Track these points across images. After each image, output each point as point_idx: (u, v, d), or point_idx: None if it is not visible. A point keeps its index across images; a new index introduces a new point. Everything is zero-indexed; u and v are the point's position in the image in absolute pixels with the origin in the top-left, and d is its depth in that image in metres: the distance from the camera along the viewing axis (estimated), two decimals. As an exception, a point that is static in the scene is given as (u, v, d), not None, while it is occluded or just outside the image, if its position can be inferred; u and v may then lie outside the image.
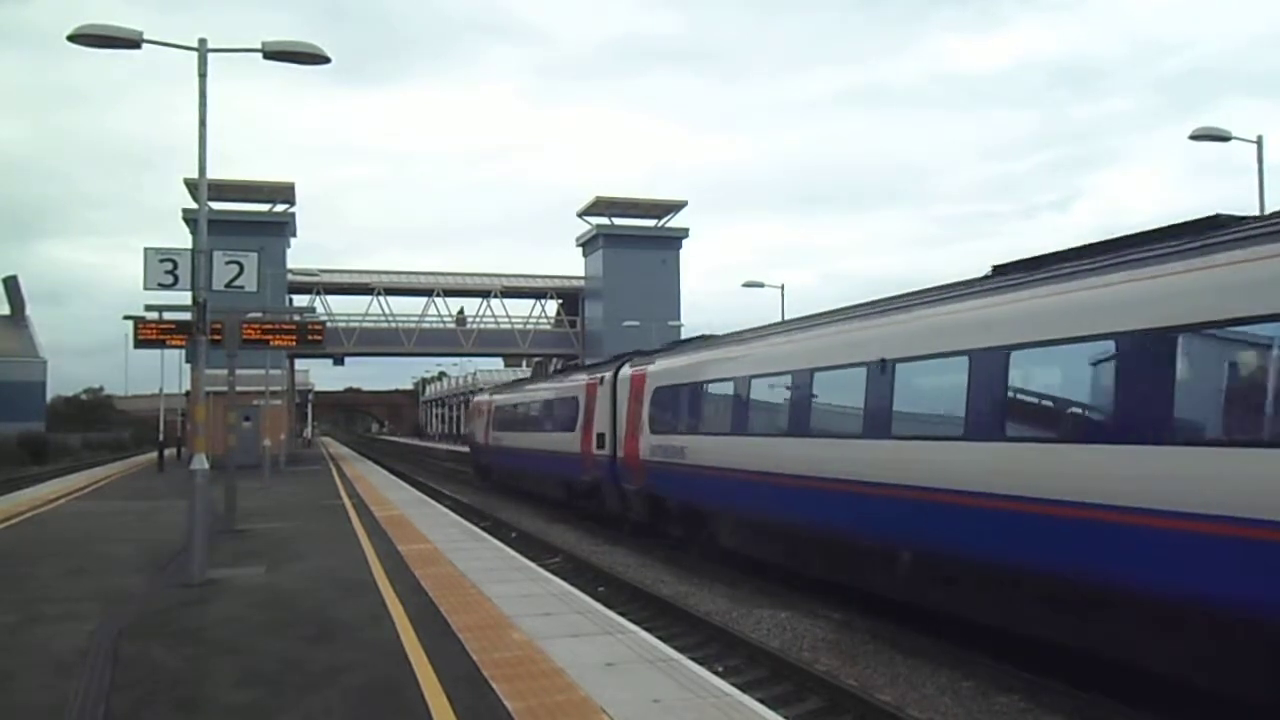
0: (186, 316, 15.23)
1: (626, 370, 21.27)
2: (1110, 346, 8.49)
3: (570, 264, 67.24)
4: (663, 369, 19.34)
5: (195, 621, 9.68)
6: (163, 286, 12.66)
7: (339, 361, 60.54)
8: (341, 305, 56.32)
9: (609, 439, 21.52)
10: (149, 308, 17.95)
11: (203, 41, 12.62)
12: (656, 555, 18.68)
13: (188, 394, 35.01)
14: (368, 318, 54.84)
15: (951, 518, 10.12)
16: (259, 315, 20.23)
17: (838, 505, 12.27)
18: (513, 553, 14.73)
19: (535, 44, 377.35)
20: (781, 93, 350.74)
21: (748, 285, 39.89)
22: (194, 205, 33.94)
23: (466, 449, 58.99)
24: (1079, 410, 9.39)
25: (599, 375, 23.11)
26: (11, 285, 69.33)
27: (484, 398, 41.36)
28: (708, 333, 20.22)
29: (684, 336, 25.22)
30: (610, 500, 22.21)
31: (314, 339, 21.45)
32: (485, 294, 56.85)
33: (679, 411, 18.04)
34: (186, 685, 7.35)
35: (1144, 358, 8.09)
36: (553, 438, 26.57)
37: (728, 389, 16.06)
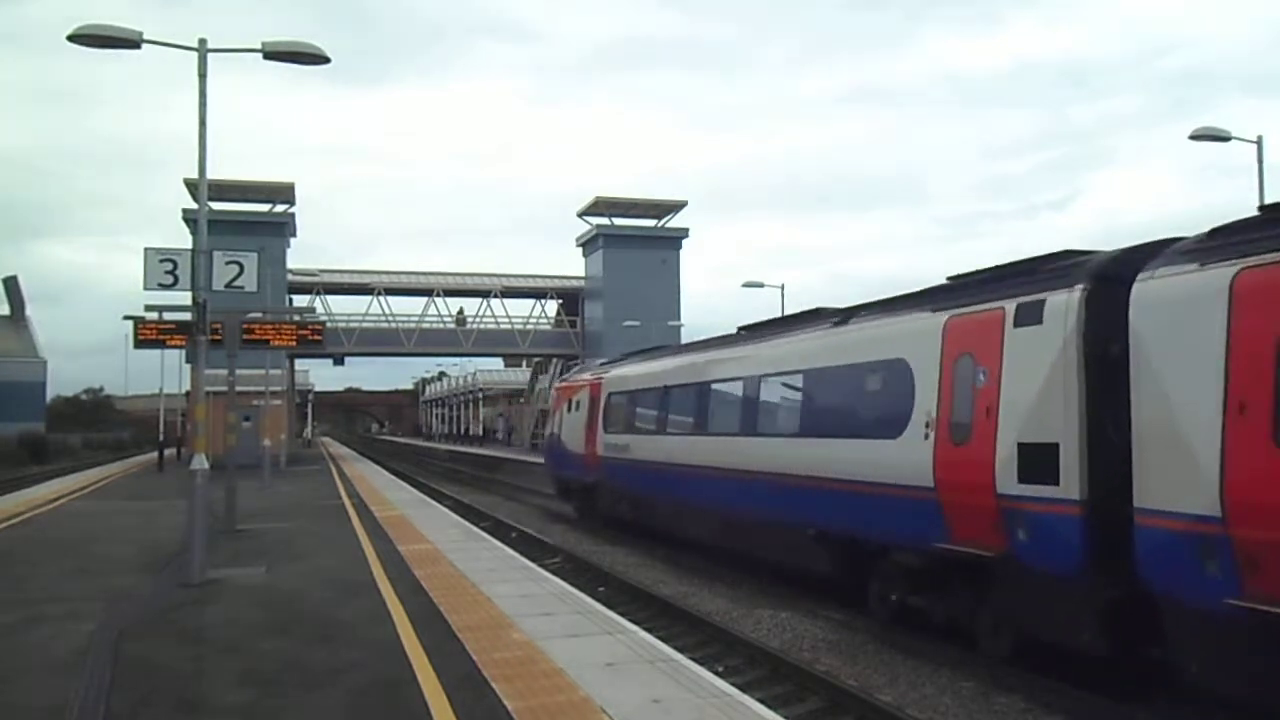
0: (186, 316, 15.19)
1: (1202, 273, 7.92)
2: None
3: (570, 264, 67.27)
4: None
5: (195, 621, 9.68)
6: (163, 286, 12.66)
7: (339, 361, 60.56)
8: (341, 305, 56.28)
9: (1077, 454, 8.93)
10: (149, 308, 17.92)
11: (202, 41, 12.64)
12: (657, 555, 18.67)
13: (188, 394, 35.02)
14: (368, 318, 54.82)
15: None
16: (259, 315, 20.21)
17: None
18: (513, 553, 14.73)
19: (535, 44, 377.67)
20: (782, 93, 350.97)
21: (747, 285, 40.08)
22: (194, 205, 33.96)
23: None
24: None
25: (991, 305, 10.23)
26: (11, 285, 69.27)
27: (585, 376, 25.26)
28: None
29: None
30: (1061, 621, 9.31)
31: (314, 339, 21.42)
32: (485, 294, 56.81)
33: None
34: (187, 685, 7.35)
35: None
36: (816, 450, 12.97)
37: None
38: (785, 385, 14.45)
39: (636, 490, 20.40)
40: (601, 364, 25.10)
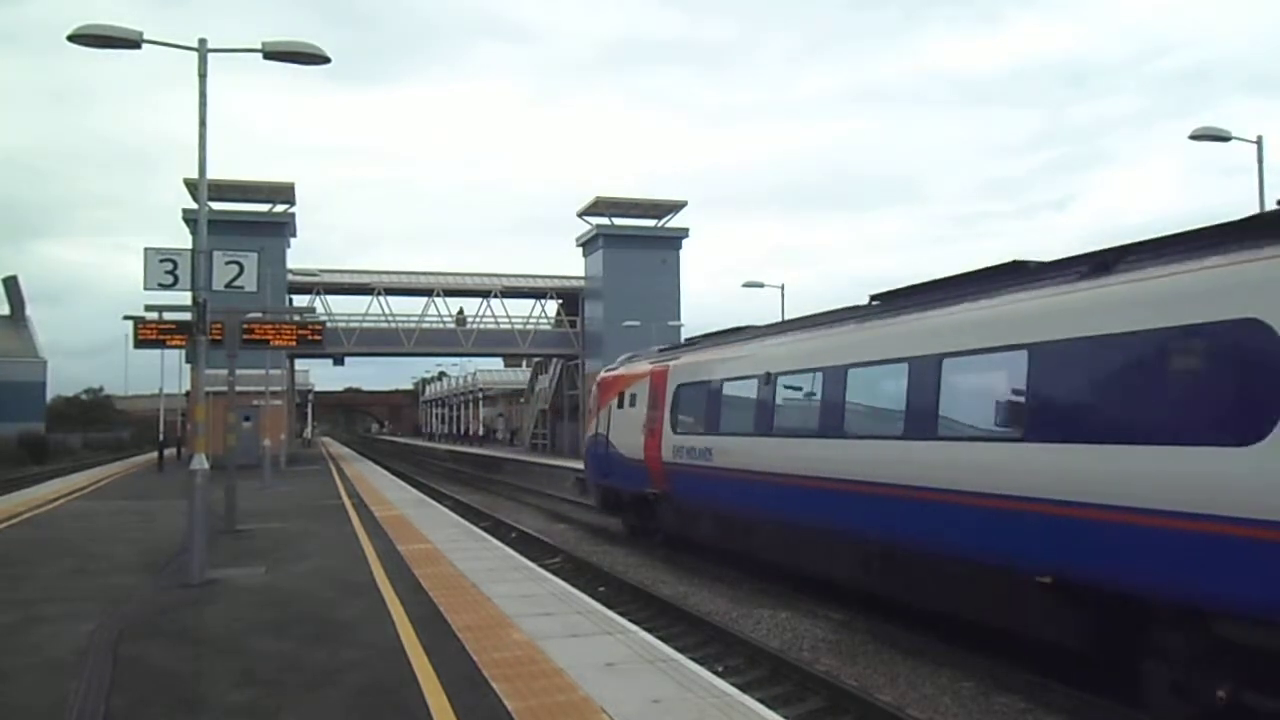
0: (186, 316, 15.23)
1: None
2: None
3: (570, 264, 67.31)
4: None
5: (195, 621, 9.68)
6: (163, 287, 12.66)
7: (339, 361, 60.60)
8: (341, 305, 56.26)
9: None
10: (149, 308, 17.96)
11: (202, 42, 12.64)
12: (657, 555, 18.67)
13: (188, 394, 35.05)
14: (368, 318, 54.78)
15: None
16: (259, 315, 20.23)
17: None
18: (513, 553, 14.73)
19: (535, 44, 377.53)
20: (782, 92, 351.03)
21: (747, 285, 40.05)
22: (194, 205, 33.97)
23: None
24: None
25: None
26: (11, 285, 69.30)
27: (642, 365, 20.56)
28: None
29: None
30: None
31: (314, 339, 21.43)
32: (485, 294, 56.78)
33: None
34: (186, 685, 7.35)
35: None
36: (1061, 459, 8.81)
37: None
38: (989, 368, 10.15)
39: (723, 507, 16.18)
40: (661, 350, 20.94)
